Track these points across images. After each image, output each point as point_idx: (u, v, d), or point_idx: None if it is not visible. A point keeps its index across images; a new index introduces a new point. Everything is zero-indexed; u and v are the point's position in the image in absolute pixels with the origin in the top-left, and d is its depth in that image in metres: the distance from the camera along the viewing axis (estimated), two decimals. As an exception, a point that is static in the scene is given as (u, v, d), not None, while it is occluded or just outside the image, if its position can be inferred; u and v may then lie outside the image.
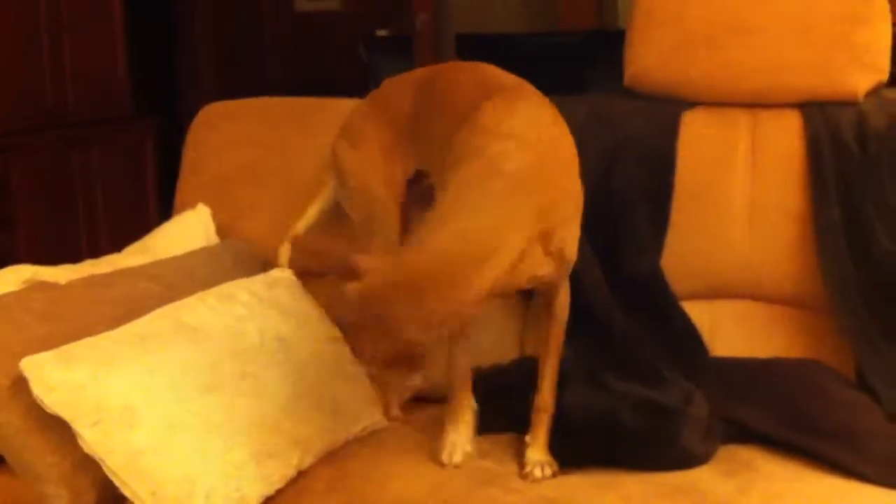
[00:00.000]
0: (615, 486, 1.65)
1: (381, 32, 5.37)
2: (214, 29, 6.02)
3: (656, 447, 1.72)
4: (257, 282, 1.99)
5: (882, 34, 2.10)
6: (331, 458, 1.79)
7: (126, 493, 1.61)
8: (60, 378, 1.61)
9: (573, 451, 1.74)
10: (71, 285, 1.86)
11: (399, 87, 1.98)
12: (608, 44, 2.47)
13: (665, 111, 2.16)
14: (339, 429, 1.84)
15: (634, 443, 1.72)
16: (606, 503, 1.59)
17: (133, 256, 2.14)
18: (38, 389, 1.61)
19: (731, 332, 1.97)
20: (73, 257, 2.19)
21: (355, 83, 4.47)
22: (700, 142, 2.13)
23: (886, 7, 2.11)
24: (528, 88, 1.79)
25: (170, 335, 1.74)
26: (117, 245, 2.30)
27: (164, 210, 2.56)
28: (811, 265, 2.00)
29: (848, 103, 2.10)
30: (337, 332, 1.95)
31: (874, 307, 1.93)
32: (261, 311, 1.89)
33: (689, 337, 2.00)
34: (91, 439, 1.60)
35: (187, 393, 1.66)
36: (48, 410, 1.61)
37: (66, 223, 4.35)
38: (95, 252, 2.33)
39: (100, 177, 4.50)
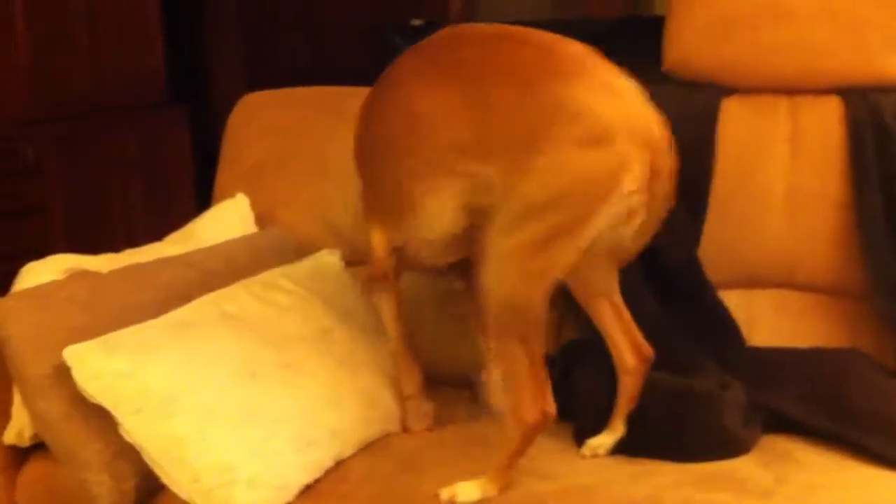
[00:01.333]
0: (651, 475, 1.65)
1: (416, 22, 5.36)
2: (245, 16, 6.04)
3: (696, 434, 1.72)
4: (303, 268, 2.00)
5: (923, 18, 2.07)
6: (368, 449, 1.81)
7: (166, 481, 1.63)
8: (102, 367, 1.63)
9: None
10: (112, 274, 1.88)
11: None
12: (641, 30, 2.44)
13: (704, 98, 2.14)
14: (377, 421, 1.85)
15: (670, 433, 1.72)
16: (641, 492, 1.59)
17: (174, 245, 2.16)
18: (80, 378, 1.63)
19: (768, 321, 1.96)
20: (108, 244, 2.21)
21: (382, 69, 4.48)
22: (739, 129, 2.11)
23: (924, -10, 2.08)
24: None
25: (212, 323, 1.76)
26: (152, 232, 2.32)
27: (199, 196, 2.57)
28: (851, 253, 1.99)
29: (890, 88, 2.07)
30: (378, 325, 1.95)
31: (915, 295, 1.91)
32: (304, 302, 1.90)
33: (725, 326, 1.99)
34: (132, 427, 1.62)
35: (228, 381, 1.67)
36: (90, 399, 1.64)
37: (102, 210, 4.39)
38: (131, 239, 2.35)
39: (135, 164, 4.54)
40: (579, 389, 1.83)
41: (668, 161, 1.59)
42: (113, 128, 4.45)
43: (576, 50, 1.61)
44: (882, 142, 2.00)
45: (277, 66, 5.84)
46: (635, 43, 2.56)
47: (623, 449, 1.73)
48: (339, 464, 1.74)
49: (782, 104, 2.10)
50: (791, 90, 2.11)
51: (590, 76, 1.58)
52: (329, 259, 2.07)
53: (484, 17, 5.22)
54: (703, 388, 1.78)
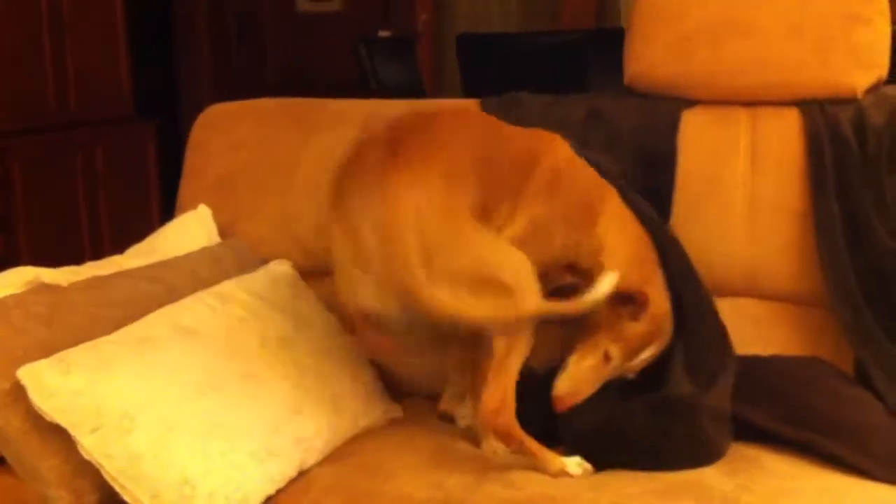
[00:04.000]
0: (616, 485, 1.65)
1: (384, 33, 5.38)
2: (214, 30, 6.03)
3: (675, 445, 1.72)
4: (258, 279, 1.99)
5: (881, 32, 2.10)
6: (332, 456, 1.80)
7: (126, 497, 1.61)
8: (58, 385, 1.61)
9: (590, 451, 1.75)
10: (73, 287, 1.86)
11: None
12: (609, 43, 2.47)
13: (665, 109, 2.16)
14: (341, 427, 1.84)
15: (650, 444, 1.73)
16: (606, 500, 1.59)
17: (135, 258, 2.14)
18: (36, 397, 1.61)
19: (730, 329, 1.96)
20: (76, 258, 2.18)
21: (356, 84, 4.48)
22: (700, 140, 2.13)
23: (886, 5, 2.11)
24: None
25: (168, 337, 1.74)
26: (120, 246, 2.30)
27: (167, 210, 2.56)
28: (811, 262, 2.01)
29: (848, 101, 2.10)
30: (338, 331, 1.94)
31: (873, 303, 1.93)
32: (261, 312, 1.89)
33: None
34: (90, 445, 1.60)
35: (186, 395, 1.66)
36: (47, 418, 1.62)
37: (69, 224, 4.36)
38: (98, 253, 2.34)
39: (102, 177, 4.52)
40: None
41: None
42: (79, 142, 4.42)
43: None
44: (839, 153, 2.03)
45: (246, 81, 5.84)
46: (602, 55, 2.59)
47: (603, 461, 1.73)
48: (304, 473, 1.74)
49: (742, 116, 2.13)
50: (751, 102, 2.13)
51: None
52: (281, 269, 2.07)
53: (452, 30, 5.24)
54: (683, 397, 1.78)
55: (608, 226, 1.83)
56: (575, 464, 1.72)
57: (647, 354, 1.79)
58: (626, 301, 1.74)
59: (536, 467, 1.71)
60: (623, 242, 1.83)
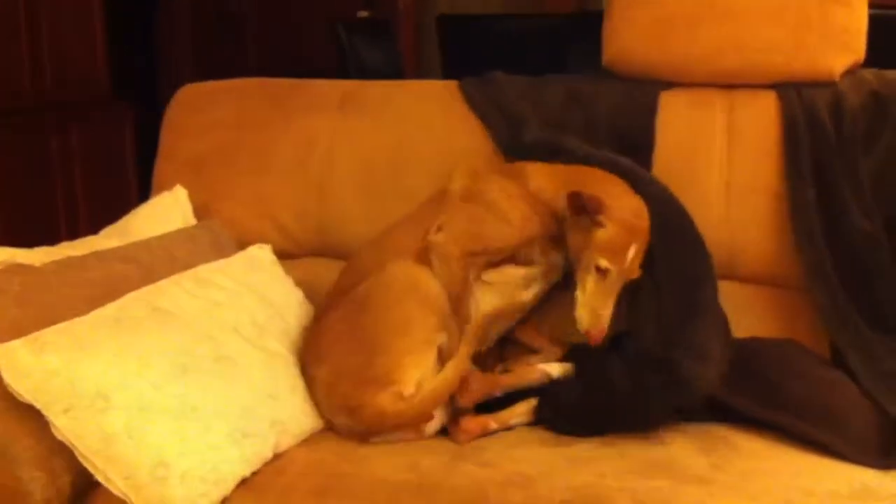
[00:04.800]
0: (591, 462, 1.66)
1: (363, 14, 5.35)
2: (192, 10, 5.98)
3: (658, 395, 1.76)
4: (236, 262, 1.98)
5: (858, 15, 2.10)
6: (308, 440, 1.80)
7: (99, 478, 1.60)
8: (32, 365, 1.60)
9: (571, 420, 1.79)
10: (46, 268, 1.84)
11: None
12: (590, 25, 2.46)
13: (643, 92, 2.17)
14: (315, 413, 1.84)
15: (633, 402, 1.77)
16: (581, 479, 1.60)
17: (110, 238, 2.13)
18: (9, 377, 1.60)
19: (707, 311, 1.97)
20: (52, 240, 2.17)
21: (334, 65, 4.46)
22: (677, 122, 2.13)
23: (863, -12, 2.11)
24: None
25: (144, 319, 1.73)
26: (97, 229, 2.28)
27: (144, 193, 2.55)
28: (787, 244, 2.02)
29: (825, 84, 2.10)
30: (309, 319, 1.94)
31: (848, 285, 1.94)
32: (238, 297, 1.89)
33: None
34: (62, 426, 1.59)
35: (161, 376, 1.65)
36: (20, 399, 1.60)
37: (45, 206, 4.32)
38: (75, 236, 2.31)
39: (78, 160, 4.48)
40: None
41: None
42: (56, 124, 4.38)
43: None
44: (815, 135, 2.03)
45: (228, 61, 5.80)
46: (585, 38, 2.58)
47: (591, 425, 1.77)
48: (279, 456, 1.73)
49: (719, 98, 2.13)
50: (729, 85, 2.13)
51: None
52: (260, 253, 2.06)
53: (432, 11, 5.22)
54: (656, 350, 1.82)
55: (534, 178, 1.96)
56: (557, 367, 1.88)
57: (632, 254, 1.82)
58: (579, 210, 1.82)
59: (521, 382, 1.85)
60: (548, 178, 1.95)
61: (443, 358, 1.83)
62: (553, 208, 1.92)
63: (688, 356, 1.78)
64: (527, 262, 1.96)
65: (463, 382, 1.81)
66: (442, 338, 1.83)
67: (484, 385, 1.85)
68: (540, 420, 1.83)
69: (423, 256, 1.90)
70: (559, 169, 1.98)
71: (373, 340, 1.80)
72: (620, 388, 1.79)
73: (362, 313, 1.83)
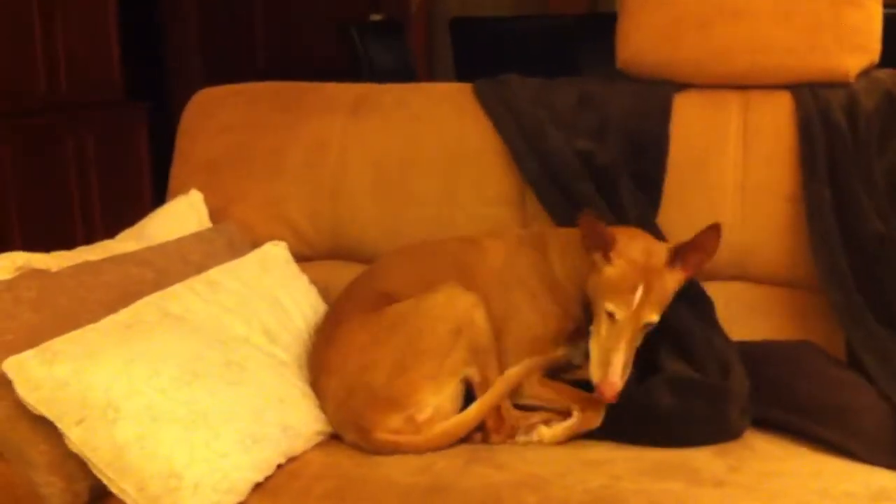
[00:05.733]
0: (605, 464, 1.66)
1: (376, 17, 5.35)
2: (203, 13, 6.00)
3: (701, 425, 1.74)
4: (250, 262, 1.98)
5: (872, 16, 2.09)
6: (323, 444, 1.80)
7: (113, 489, 1.60)
8: (43, 376, 1.60)
9: (610, 430, 1.77)
10: (63, 273, 1.85)
11: None
12: (601, 27, 2.46)
13: (657, 93, 2.16)
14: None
15: (678, 423, 1.74)
16: (596, 481, 1.60)
17: (126, 242, 2.13)
18: (21, 389, 1.60)
19: (722, 314, 1.96)
20: (69, 243, 2.18)
21: (346, 68, 4.47)
22: (692, 123, 2.13)
23: (877, -12, 2.11)
24: None
25: (154, 324, 1.73)
26: (112, 230, 2.29)
27: (159, 194, 2.56)
28: (802, 245, 2.01)
29: (839, 84, 2.10)
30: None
31: (863, 286, 1.93)
32: (248, 301, 1.89)
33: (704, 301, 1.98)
34: (76, 438, 1.60)
35: (170, 383, 1.64)
36: (32, 410, 1.61)
37: (60, 209, 4.34)
38: (90, 238, 2.33)
39: (93, 162, 4.49)
40: None
41: None
42: (70, 125, 4.40)
43: None
44: (830, 136, 2.03)
45: (238, 63, 5.81)
46: (595, 39, 2.58)
47: (628, 438, 1.75)
48: (293, 459, 1.73)
49: (734, 99, 2.13)
50: (743, 86, 2.13)
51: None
52: (275, 251, 2.06)
53: (444, 14, 5.22)
54: (710, 380, 1.80)
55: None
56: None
57: (638, 296, 1.73)
58: (592, 243, 1.78)
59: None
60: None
61: (479, 389, 1.81)
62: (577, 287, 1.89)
63: (735, 400, 1.76)
64: None
65: (497, 418, 1.79)
66: (470, 372, 1.80)
67: (518, 421, 1.81)
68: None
69: (469, 280, 1.88)
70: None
71: (396, 361, 1.77)
72: (664, 407, 1.76)
73: (393, 333, 1.80)
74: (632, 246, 1.78)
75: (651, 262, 1.77)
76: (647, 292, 1.74)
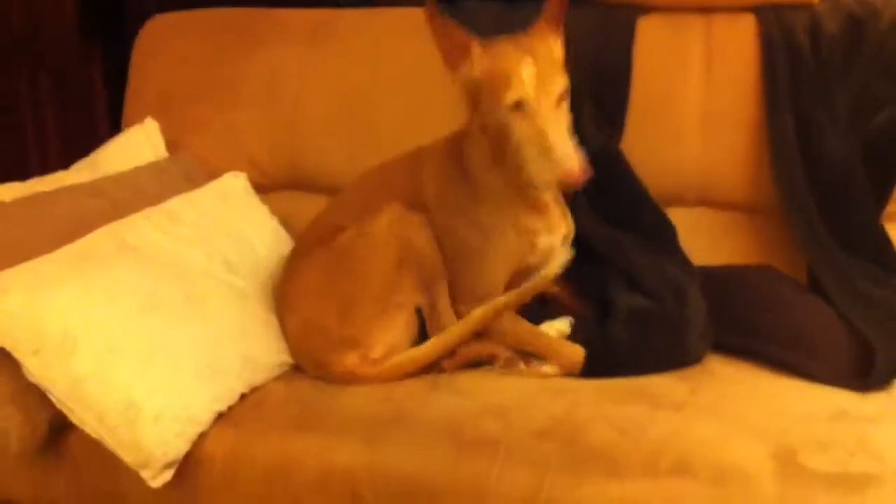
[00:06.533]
0: (568, 392, 1.66)
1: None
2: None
3: (659, 354, 1.74)
4: (208, 193, 1.95)
5: (837, -64, 2.07)
6: (286, 375, 1.79)
7: (73, 420, 1.60)
8: (-4, 306, 1.57)
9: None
10: (15, 203, 1.82)
11: None
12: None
13: (620, 16, 2.13)
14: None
15: (635, 353, 1.74)
16: (557, 408, 1.60)
17: (80, 173, 2.10)
18: (-27, 319, 1.57)
19: (685, 239, 1.96)
20: (22, 177, 2.13)
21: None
22: (655, 49, 2.10)
23: None
24: None
25: (110, 255, 1.71)
26: (67, 165, 2.25)
27: (116, 129, 2.50)
28: (763, 171, 2.00)
29: (803, 6, 2.07)
30: (281, 257, 1.91)
31: (825, 210, 1.94)
32: (208, 233, 1.86)
33: (667, 230, 1.98)
34: (33, 368, 1.58)
35: (128, 315, 1.62)
36: None
37: (15, 144, 4.26)
38: (45, 172, 2.27)
39: (47, 97, 4.40)
40: None
41: None
42: (23, 62, 4.30)
43: None
44: (793, 60, 2.01)
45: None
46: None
47: (589, 370, 1.73)
48: (256, 390, 1.72)
49: (697, 22, 2.10)
50: (707, 8, 2.09)
51: None
52: (234, 182, 2.03)
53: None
54: (666, 310, 1.79)
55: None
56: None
57: (530, 68, 1.61)
58: (453, 57, 1.67)
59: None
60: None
61: (429, 319, 1.78)
62: None
63: (694, 329, 1.75)
64: None
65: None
66: (420, 299, 1.78)
67: (472, 351, 1.78)
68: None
69: (417, 200, 1.80)
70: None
71: (344, 300, 1.75)
72: (620, 340, 1.75)
73: (338, 268, 1.77)
74: (493, 41, 1.67)
75: (519, 39, 1.67)
76: (536, 62, 1.62)
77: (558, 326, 1.81)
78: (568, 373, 1.74)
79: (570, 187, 1.65)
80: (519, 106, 1.61)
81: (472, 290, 1.78)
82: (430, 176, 1.85)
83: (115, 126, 2.45)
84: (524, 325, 1.79)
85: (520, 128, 1.63)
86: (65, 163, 2.24)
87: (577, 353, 1.74)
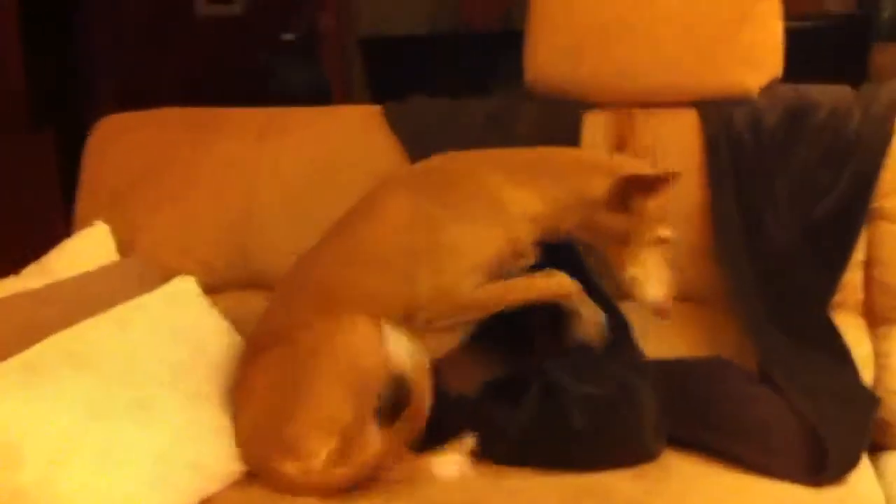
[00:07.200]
0: (523, 492, 1.66)
1: (288, 37, 5.30)
2: (113, 34, 5.88)
3: (614, 447, 1.74)
4: (157, 300, 1.94)
5: (771, 32, 2.13)
6: (239, 483, 1.76)
7: None
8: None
9: (526, 456, 1.75)
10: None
11: None
12: (515, 45, 2.47)
13: (565, 112, 2.17)
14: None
15: (589, 445, 1.74)
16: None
17: (31, 278, 2.08)
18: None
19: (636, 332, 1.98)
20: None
21: (258, 90, 4.42)
22: (601, 142, 2.13)
23: (775, 4, 2.14)
24: None
25: (58, 364, 1.69)
26: (18, 263, 2.22)
27: (69, 220, 2.48)
28: (710, 261, 2.03)
29: (743, 101, 2.12)
30: (230, 360, 1.90)
31: (771, 300, 1.97)
32: (158, 339, 1.85)
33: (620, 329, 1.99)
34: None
35: (75, 425, 1.60)
36: None
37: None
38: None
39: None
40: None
41: None
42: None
43: None
44: (735, 152, 2.06)
45: (150, 85, 5.71)
46: (508, 57, 2.59)
47: (547, 460, 1.74)
48: (207, 501, 1.69)
49: (641, 118, 2.13)
50: (649, 104, 2.14)
51: None
52: (183, 285, 2.02)
53: (358, 33, 5.19)
54: (620, 399, 1.80)
55: None
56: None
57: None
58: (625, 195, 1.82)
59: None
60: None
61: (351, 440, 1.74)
62: None
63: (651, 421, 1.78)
64: None
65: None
66: (349, 416, 1.73)
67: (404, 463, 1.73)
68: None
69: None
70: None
71: (285, 406, 1.74)
72: (577, 425, 1.76)
73: (282, 373, 1.77)
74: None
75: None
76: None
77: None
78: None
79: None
80: (661, 240, 1.84)
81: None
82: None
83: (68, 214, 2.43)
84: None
85: (653, 253, 1.84)
86: (14, 262, 2.21)
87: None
